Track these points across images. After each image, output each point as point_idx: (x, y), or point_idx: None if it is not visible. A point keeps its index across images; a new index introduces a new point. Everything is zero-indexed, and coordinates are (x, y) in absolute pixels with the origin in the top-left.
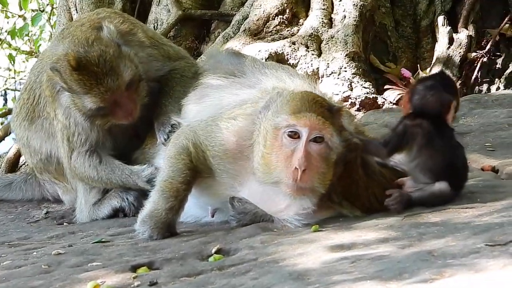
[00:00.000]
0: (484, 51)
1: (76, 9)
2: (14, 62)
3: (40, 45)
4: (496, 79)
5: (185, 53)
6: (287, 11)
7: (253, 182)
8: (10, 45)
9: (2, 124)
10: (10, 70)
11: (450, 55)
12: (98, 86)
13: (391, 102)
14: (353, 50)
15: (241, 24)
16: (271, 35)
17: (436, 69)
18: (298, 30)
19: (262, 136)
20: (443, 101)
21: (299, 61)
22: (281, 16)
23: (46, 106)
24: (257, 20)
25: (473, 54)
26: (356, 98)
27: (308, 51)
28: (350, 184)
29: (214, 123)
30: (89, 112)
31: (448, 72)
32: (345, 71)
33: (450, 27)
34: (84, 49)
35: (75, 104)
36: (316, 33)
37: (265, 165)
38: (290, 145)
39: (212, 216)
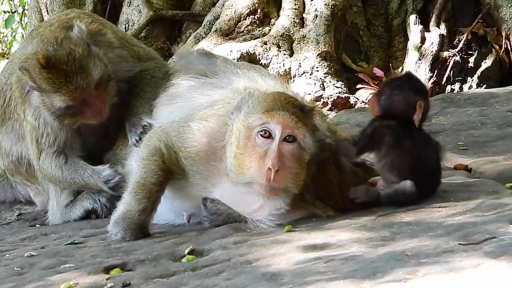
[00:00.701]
0: (456, 50)
1: (47, 10)
2: None
3: (12, 46)
4: (469, 78)
5: (155, 54)
6: (259, 11)
7: (226, 183)
8: None
9: None
10: None
11: (422, 54)
12: (67, 84)
13: (363, 102)
14: (325, 49)
15: (213, 25)
16: (242, 35)
17: (407, 69)
18: (270, 30)
19: (234, 137)
20: (409, 102)
21: (271, 61)
22: (253, 16)
23: (16, 107)
24: (229, 20)
25: (445, 53)
26: (328, 98)
27: (280, 51)
28: (323, 184)
29: (186, 124)
30: (58, 111)
31: (421, 70)
32: (317, 70)
33: (422, 26)
34: (53, 47)
35: (44, 104)
36: (287, 33)
37: (238, 165)
38: (263, 145)
39: (188, 222)
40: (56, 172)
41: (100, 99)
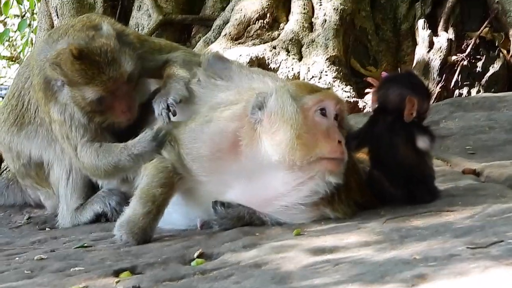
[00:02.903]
0: (464, 54)
1: (57, 15)
2: None
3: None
4: (477, 82)
5: (180, 45)
6: (268, 15)
7: (242, 177)
8: None
9: None
10: None
11: (430, 58)
12: (100, 75)
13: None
14: (334, 54)
15: (222, 29)
16: (251, 39)
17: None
18: (279, 34)
19: (283, 123)
20: (401, 97)
21: (280, 65)
22: (262, 21)
23: (37, 111)
24: (238, 24)
25: (453, 57)
26: None
27: (289, 55)
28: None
29: (196, 127)
30: (88, 106)
31: (429, 74)
32: (326, 75)
33: (430, 31)
34: (85, 41)
35: (75, 99)
36: (296, 37)
37: (303, 145)
38: (322, 122)
39: (201, 228)
40: (92, 159)
41: (130, 95)
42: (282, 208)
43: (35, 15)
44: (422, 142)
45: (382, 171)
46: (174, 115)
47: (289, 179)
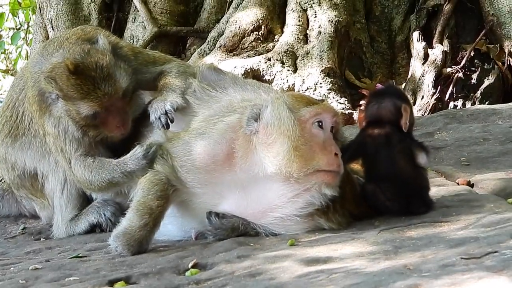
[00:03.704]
0: (459, 66)
1: (52, 27)
2: None
3: (17, 63)
4: (471, 94)
5: (172, 57)
6: (263, 27)
7: (236, 189)
8: None
9: None
10: None
11: (425, 70)
12: (95, 91)
13: None
14: (329, 65)
15: (217, 41)
16: (246, 51)
17: (409, 87)
18: (274, 46)
19: (279, 134)
20: (395, 106)
21: (274, 77)
22: (257, 33)
23: (32, 123)
24: (233, 36)
25: (448, 69)
26: None
27: (284, 67)
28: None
29: (189, 139)
30: (83, 120)
31: (424, 86)
32: (321, 86)
33: (425, 43)
34: (80, 56)
35: (69, 113)
36: (291, 49)
37: (300, 157)
38: (319, 134)
39: (196, 239)
40: (86, 174)
41: (124, 110)
42: (277, 220)
43: (30, 28)
44: (421, 159)
45: (378, 184)
46: (172, 121)
47: (285, 191)
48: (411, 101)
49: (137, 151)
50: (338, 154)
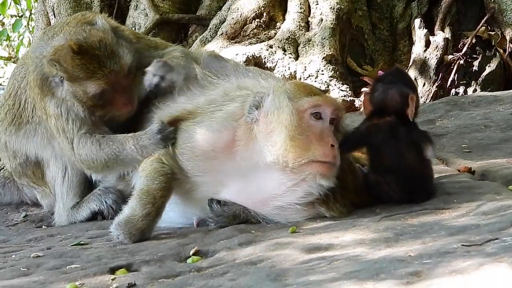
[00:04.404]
0: (461, 53)
1: (54, 14)
2: None
3: (19, 50)
4: (473, 81)
5: (174, 45)
6: (264, 14)
7: (237, 177)
8: None
9: None
10: None
11: (427, 57)
12: (101, 69)
13: None
14: (330, 53)
15: (219, 28)
16: (248, 38)
17: (411, 74)
18: (275, 33)
19: (278, 123)
20: (402, 95)
21: (276, 64)
22: (258, 20)
23: (34, 109)
24: (235, 23)
25: (450, 56)
26: None
27: (286, 54)
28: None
29: (189, 128)
30: (90, 100)
31: (426, 74)
32: (322, 74)
33: (426, 30)
34: (83, 36)
35: (76, 94)
36: (293, 36)
37: (296, 147)
38: (316, 125)
39: (197, 226)
40: (93, 149)
41: (130, 88)
42: (277, 209)
43: (32, 15)
44: (429, 152)
45: (383, 175)
46: (162, 91)
47: (284, 180)
48: None
49: (153, 126)
50: (335, 146)
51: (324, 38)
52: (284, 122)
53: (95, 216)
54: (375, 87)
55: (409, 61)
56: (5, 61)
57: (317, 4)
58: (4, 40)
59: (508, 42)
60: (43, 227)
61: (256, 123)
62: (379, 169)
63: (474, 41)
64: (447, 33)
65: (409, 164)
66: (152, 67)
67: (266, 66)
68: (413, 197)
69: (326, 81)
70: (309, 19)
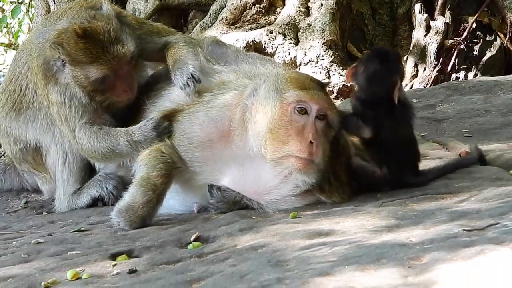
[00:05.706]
0: (461, 38)
1: (53, 0)
2: None
3: (19, 36)
4: (473, 66)
5: (175, 31)
6: (264, 0)
7: (234, 166)
8: None
9: None
10: None
11: (427, 42)
12: (105, 54)
13: None
14: (330, 38)
15: (218, 14)
16: (248, 24)
17: (411, 59)
18: (275, 19)
19: (263, 114)
20: (386, 79)
21: (276, 49)
22: (258, 5)
23: (36, 95)
24: (234, 9)
25: (450, 41)
26: (333, 86)
27: (286, 40)
28: (334, 165)
29: (182, 118)
30: (91, 85)
31: (426, 58)
32: (323, 59)
33: (427, 15)
34: (87, 20)
35: (77, 78)
36: (293, 22)
37: (274, 139)
38: (299, 120)
39: (198, 212)
40: (91, 141)
41: (131, 75)
42: (273, 200)
43: (32, 2)
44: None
45: (377, 154)
46: (199, 82)
47: (276, 172)
48: (413, 73)
49: (148, 122)
50: (315, 143)
51: (324, 24)
52: (267, 113)
53: (95, 202)
54: (360, 68)
55: (409, 46)
56: (6, 47)
57: None
58: (4, 27)
59: (508, 26)
60: (44, 213)
61: (249, 112)
62: (374, 146)
63: (474, 25)
64: (448, 18)
65: (403, 139)
66: (179, 82)
67: (266, 51)
68: (402, 178)
69: (326, 67)
70: (309, 4)
